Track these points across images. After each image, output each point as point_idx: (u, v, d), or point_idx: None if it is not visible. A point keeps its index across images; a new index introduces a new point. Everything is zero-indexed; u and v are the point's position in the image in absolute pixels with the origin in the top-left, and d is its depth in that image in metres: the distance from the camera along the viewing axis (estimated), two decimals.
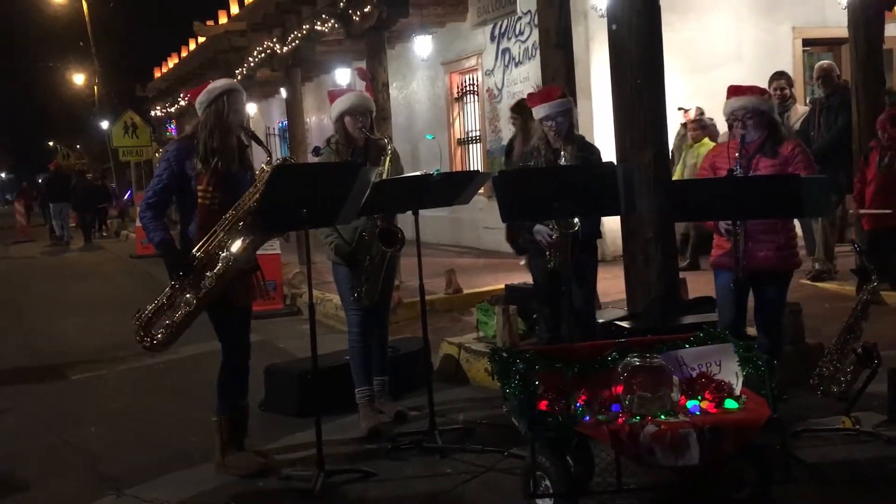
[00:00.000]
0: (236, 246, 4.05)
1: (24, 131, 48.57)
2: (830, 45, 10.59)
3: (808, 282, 7.22)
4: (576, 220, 4.37)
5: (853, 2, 7.28)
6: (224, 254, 4.04)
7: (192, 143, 4.16)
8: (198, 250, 4.06)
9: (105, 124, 30.26)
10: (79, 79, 38.78)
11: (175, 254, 4.10)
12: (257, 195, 3.99)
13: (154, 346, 4.14)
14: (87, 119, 38.67)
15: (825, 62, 7.90)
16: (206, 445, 4.46)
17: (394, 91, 12.43)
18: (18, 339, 8.56)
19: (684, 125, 8.94)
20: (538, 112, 4.71)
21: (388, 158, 4.71)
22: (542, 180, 4.21)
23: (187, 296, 4.06)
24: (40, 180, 34.11)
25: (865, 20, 7.19)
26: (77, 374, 6.85)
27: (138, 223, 14.03)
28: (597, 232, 4.87)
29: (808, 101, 9.19)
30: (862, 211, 6.69)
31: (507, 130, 11.19)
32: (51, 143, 48.94)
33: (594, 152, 4.84)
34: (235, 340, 4.30)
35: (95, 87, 34.08)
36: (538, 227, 4.63)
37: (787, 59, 10.12)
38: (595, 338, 4.70)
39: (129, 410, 5.75)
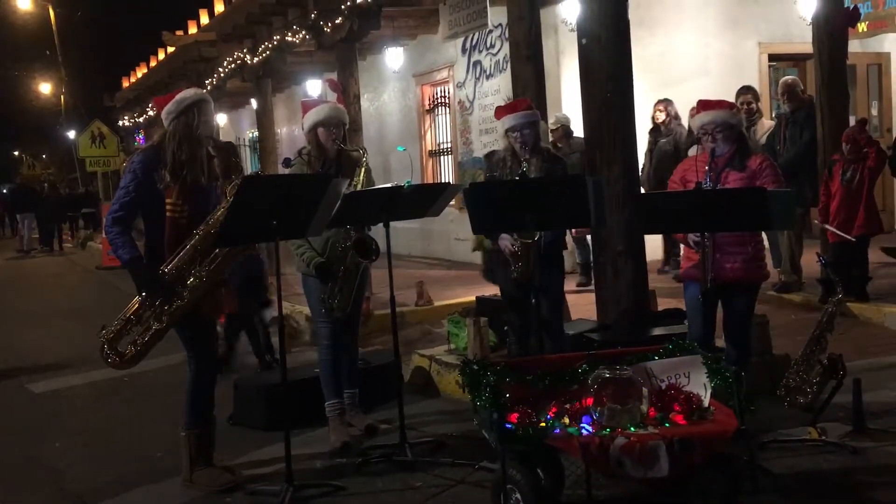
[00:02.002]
0: (207, 261, 3.99)
1: None
2: (796, 60, 10.78)
3: (775, 293, 7.31)
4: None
5: (817, 18, 7.41)
6: (195, 269, 3.98)
7: (159, 154, 4.07)
8: (167, 265, 3.98)
9: (72, 134, 29.89)
10: (45, 88, 38.24)
11: (145, 272, 4.00)
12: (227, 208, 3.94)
13: (121, 364, 4.05)
14: (53, 129, 38.14)
15: (789, 77, 8.02)
16: (173, 460, 4.40)
17: (365, 103, 12.41)
18: None
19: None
20: (504, 123, 4.75)
21: (363, 169, 4.70)
22: (512, 193, 4.22)
23: (157, 312, 3.98)
24: (5, 191, 33.74)
25: (829, 36, 7.32)
26: (40, 388, 6.74)
27: (105, 234, 13.92)
28: (561, 243, 4.91)
29: (773, 115, 9.32)
30: (827, 226, 6.80)
31: (479, 143, 11.26)
32: (16, 153, 48.19)
33: (560, 164, 4.88)
34: (204, 353, 4.24)
35: (62, 97, 33.64)
36: (502, 236, 4.66)
37: (754, 73, 10.27)
38: (564, 349, 4.72)
39: (95, 424, 5.66)
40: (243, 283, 6.07)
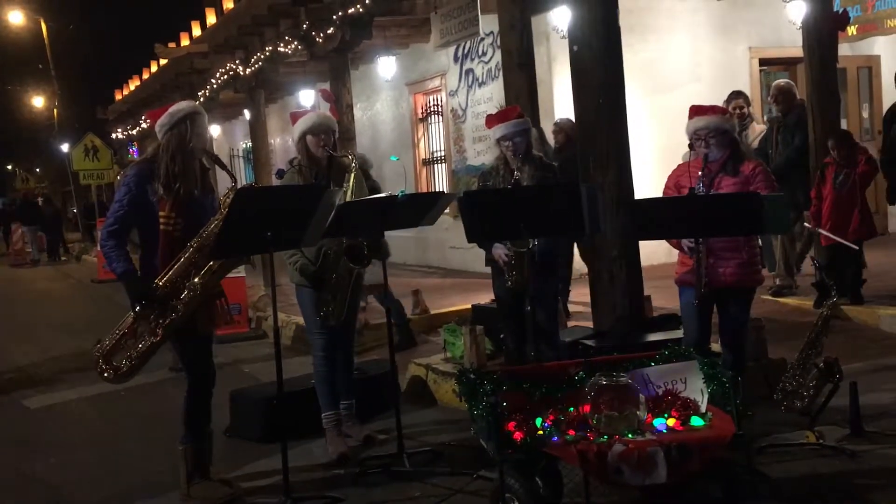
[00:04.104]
0: (201, 274, 3.98)
1: None
2: (786, 64, 10.82)
3: (770, 297, 7.32)
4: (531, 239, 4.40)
5: (807, 23, 7.45)
6: (189, 282, 3.97)
7: (152, 167, 4.07)
8: (161, 279, 3.97)
9: (65, 147, 29.82)
10: (38, 101, 38.22)
11: (138, 285, 3.98)
12: (221, 220, 3.94)
13: (116, 378, 4.04)
14: (46, 142, 38.10)
15: (782, 81, 8.04)
16: (170, 474, 4.37)
17: (358, 112, 12.42)
18: None
19: None
20: (496, 132, 4.75)
21: (352, 175, 4.68)
22: (506, 201, 4.22)
23: (151, 325, 3.97)
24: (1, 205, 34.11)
25: (819, 40, 7.35)
26: (35, 403, 6.70)
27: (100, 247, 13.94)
28: (556, 251, 4.91)
29: (765, 119, 9.35)
30: (820, 230, 6.80)
31: (472, 150, 11.27)
32: (9, 167, 48.10)
33: (552, 171, 4.90)
34: (201, 367, 4.23)
35: (55, 110, 33.58)
36: (496, 245, 4.67)
37: (745, 78, 10.30)
38: (560, 356, 4.72)
39: (91, 439, 5.63)
40: None
